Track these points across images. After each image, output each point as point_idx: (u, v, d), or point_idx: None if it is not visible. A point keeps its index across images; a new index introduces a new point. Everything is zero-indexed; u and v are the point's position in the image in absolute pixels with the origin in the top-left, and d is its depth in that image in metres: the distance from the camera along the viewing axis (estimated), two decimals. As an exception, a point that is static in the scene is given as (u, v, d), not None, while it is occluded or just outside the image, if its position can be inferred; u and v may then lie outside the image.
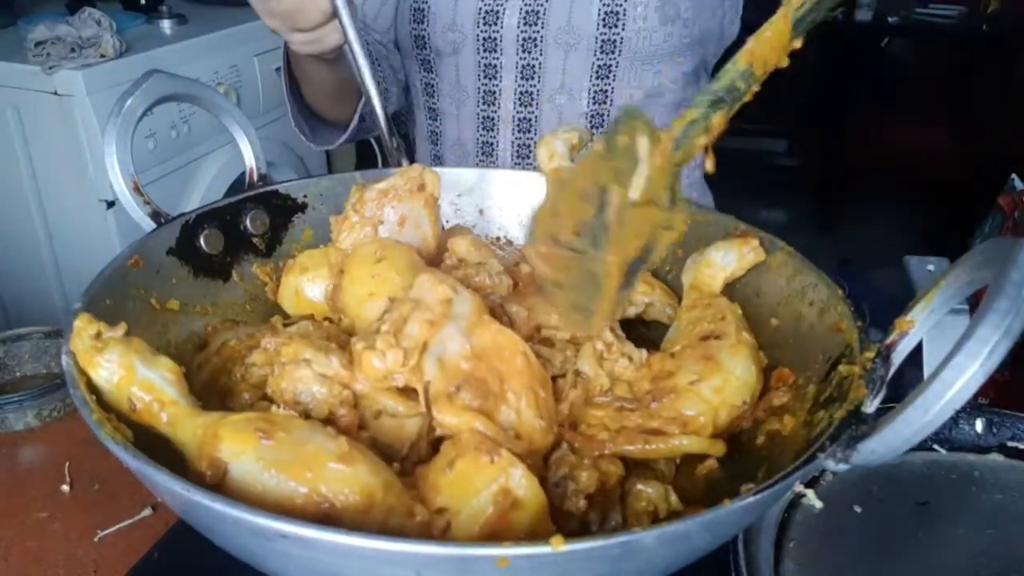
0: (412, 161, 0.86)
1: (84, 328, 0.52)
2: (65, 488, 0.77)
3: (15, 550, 0.70)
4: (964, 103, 3.48)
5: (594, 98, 1.09)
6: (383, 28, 1.15)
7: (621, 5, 1.02)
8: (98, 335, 0.52)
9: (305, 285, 0.72)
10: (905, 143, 3.46)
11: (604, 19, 1.03)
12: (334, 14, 0.79)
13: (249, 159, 0.80)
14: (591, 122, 1.11)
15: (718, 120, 0.54)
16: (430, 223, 0.74)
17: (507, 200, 0.86)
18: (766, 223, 0.72)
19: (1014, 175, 1.16)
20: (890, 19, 3.51)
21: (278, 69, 1.09)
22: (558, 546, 0.38)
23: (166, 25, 1.99)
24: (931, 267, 0.96)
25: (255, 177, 0.79)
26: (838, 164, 3.65)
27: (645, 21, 1.03)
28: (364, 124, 1.07)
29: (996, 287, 0.42)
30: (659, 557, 0.44)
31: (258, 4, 0.80)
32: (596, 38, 1.05)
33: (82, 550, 0.70)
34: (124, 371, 0.51)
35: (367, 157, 2.72)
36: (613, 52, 1.06)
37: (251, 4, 0.81)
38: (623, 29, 1.04)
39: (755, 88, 0.53)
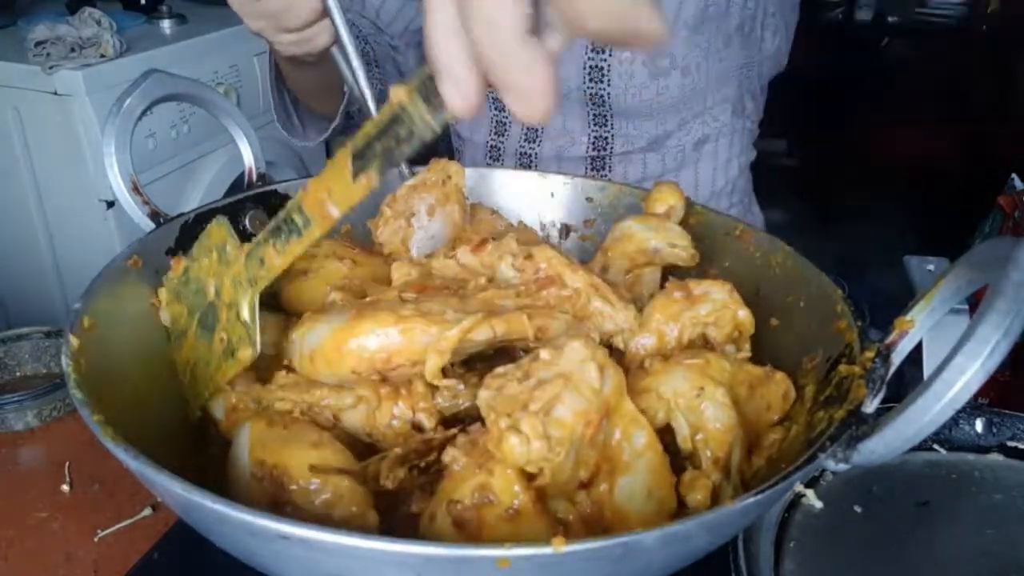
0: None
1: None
2: (65, 488, 0.77)
3: (15, 550, 0.70)
4: (964, 103, 3.48)
5: (593, 144, 1.08)
6: (398, 31, 1.10)
7: (605, 60, 0.99)
8: None
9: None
10: (905, 143, 3.45)
11: (590, 73, 1.01)
12: (324, 13, 0.77)
13: (248, 159, 0.79)
14: (591, 165, 1.09)
15: (272, 255, 0.50)
16: (458, 211, 0.75)
17: (507, 199, 0.86)
18: (766, 223, 0.72)
19: (1014, 175, 1.16)
20: (890, 19, 3.51)
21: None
22: (559, 547, 0.38)
23: (166, 25, 1.99)
24: (931, 267, 0.96)
25: (254, 177, 0.79)
26: (838, 164, 3.65)
27: (632, 78, 1.00)
28: (352, 122, 1.05)
29: (996, 287, 0.42)
30: (659, 557, 0.44)
31: (244, 4, 0.76)
32: (584, 91, 1.02)
33: (82, 550, 0.70)
34: None
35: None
36: (603, 105, 1.03)
37: (233, 6, 0.77)
38: (608, 85, 1.01)
39: (317, 234, 0.47)
